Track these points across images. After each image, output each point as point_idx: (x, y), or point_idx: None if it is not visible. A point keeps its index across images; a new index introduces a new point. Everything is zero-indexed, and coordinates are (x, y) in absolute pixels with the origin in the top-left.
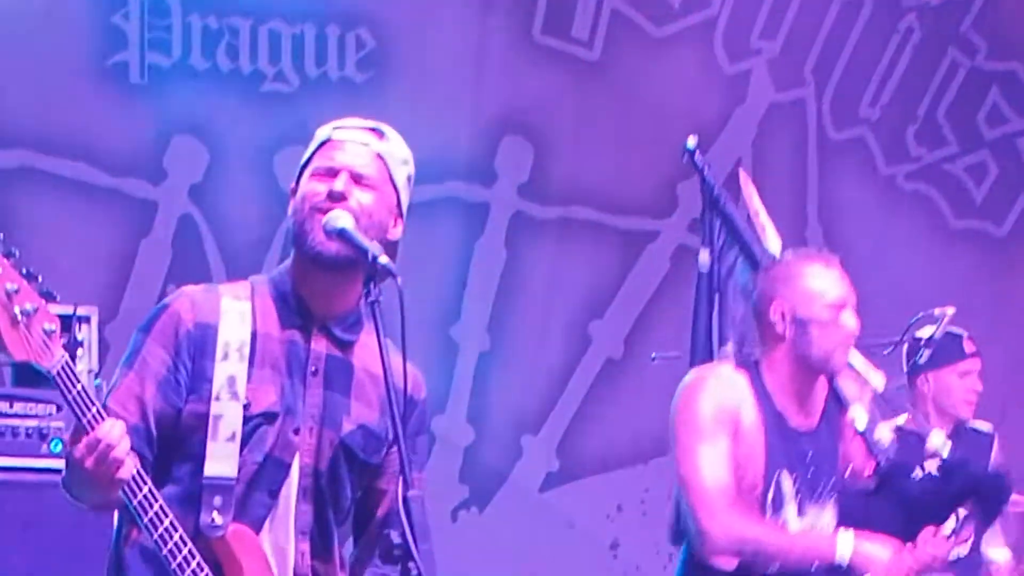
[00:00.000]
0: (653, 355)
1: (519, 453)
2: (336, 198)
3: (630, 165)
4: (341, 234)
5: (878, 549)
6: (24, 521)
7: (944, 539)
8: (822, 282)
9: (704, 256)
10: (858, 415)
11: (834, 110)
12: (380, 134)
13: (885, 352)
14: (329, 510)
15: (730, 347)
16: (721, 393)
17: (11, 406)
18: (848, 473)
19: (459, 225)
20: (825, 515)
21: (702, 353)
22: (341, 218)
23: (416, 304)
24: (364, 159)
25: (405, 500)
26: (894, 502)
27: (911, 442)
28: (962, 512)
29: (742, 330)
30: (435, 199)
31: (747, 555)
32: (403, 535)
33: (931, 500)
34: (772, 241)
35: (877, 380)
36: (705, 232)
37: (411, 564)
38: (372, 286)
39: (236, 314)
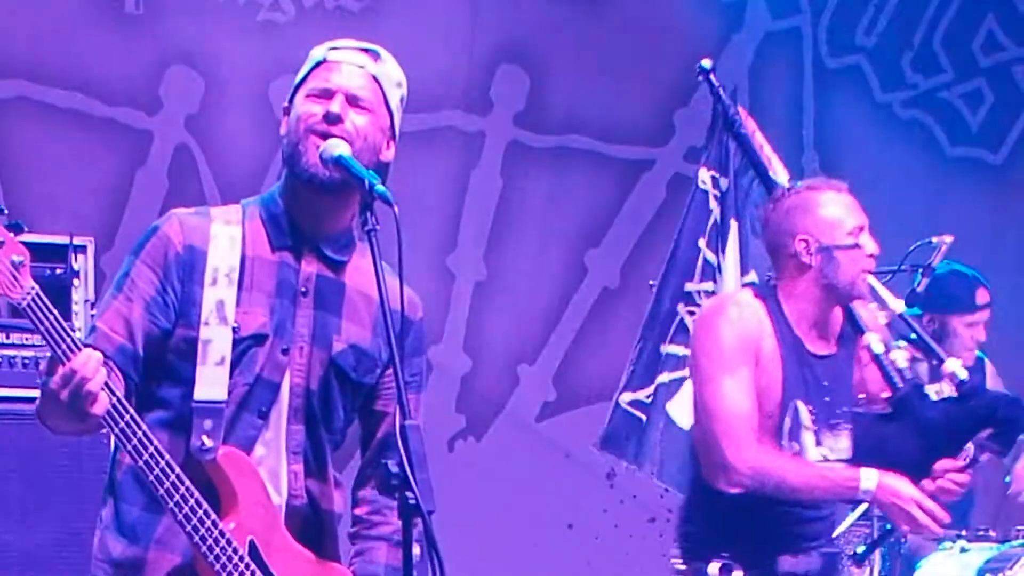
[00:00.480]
0: (651, 283)
1: (516, 382)
2: (332, 120)
3: (626, 94)
4: (339, 161)
5: (902, 484)
6: (21, 451)
7: (961, 468)
8: (839, 209)
9: (705, 176)
10: (873, 340)
11: (830, 38)
12: (375, 56)
13: (884, 280)
14: (321, 430)
15: (753, 275)
16: (743, 321)
17: (7, 337)
18: (864, 399)
19: (455, 154)
20: (841, 442)
21: (682, 267)
22: (339, 146)
23: (412, 233)
24: (359, 81)
25: (402, 428)
26: (910, 427)
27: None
28: (977, 440)
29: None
30: (431, 128)
31: (769, 488)
32: (400, 464)
33: (948, 425)
34: (779, 173)
35: (896, 304)
36: (718, 154)
37: (408, 493)
38: (368, 214)
39: (226, 239)
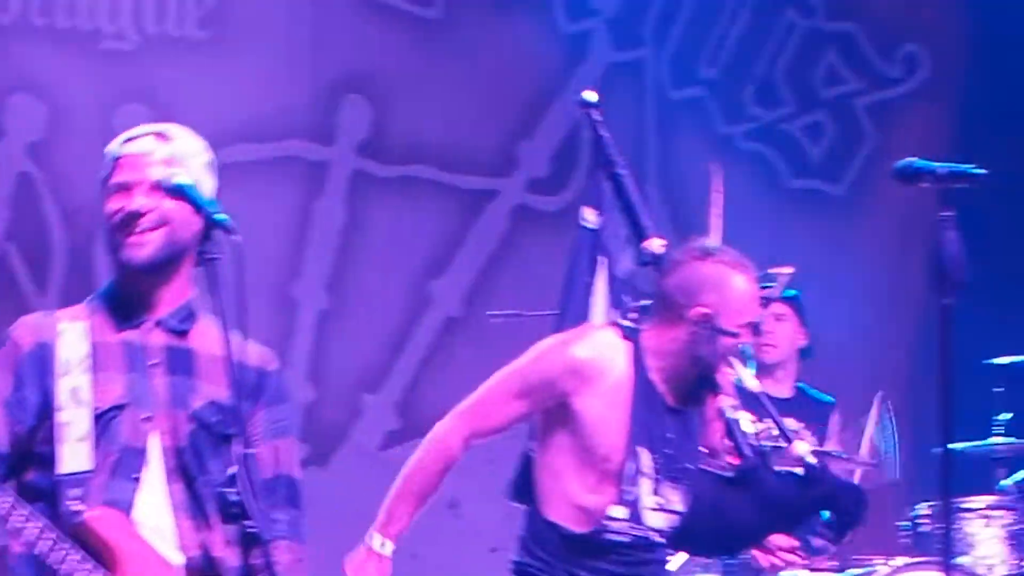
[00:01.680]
0: (490, 313)
1: (360, 411)
2: (133, 219)
3: (470, 124)
4: (178, 190)
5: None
6: None
7: (793, 549)
8: (748, 299)
9: (590, 215)
10: (727, 404)
11: (673, 70)
12: (165, 137)
13: None
14: (199, 485)
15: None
16: (599, 350)
17: None
18: (705, 452)
19: (299, 183)
20: (675, 496)
21: (576, 310)
22: (178, 175)
23: (256, 262)
24: (156, 169)
25: (244, 457)
26: (751, 496)
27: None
28: (814, 525)
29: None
30: (275, 158)
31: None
32: (239, 493)
33: (788, 503)
34: (714, 236)
35: (753, 384)
36: (593, 192)
37: (247, 521)
38: (209, 244)
39: (73, 332)
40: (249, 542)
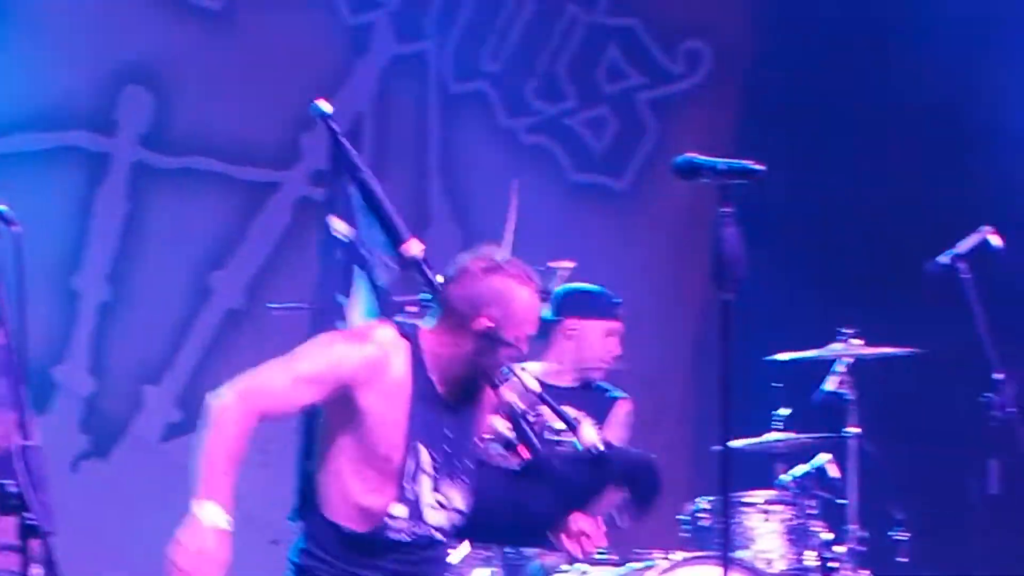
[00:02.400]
0: (271, 305)
1: (140, 403)
2: None
3: (252, 116)
4: None
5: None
6: None
7: (596, 525)
8: (531, 313)
9: (340, 226)
10: (513, 399)
11: (455, 63)
12: None
13: None
14: None
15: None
16: (383, 347)
17: None
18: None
19: (80, 174)
20: (455, 493)
21: (330, 316)
22: None
23: (37, 253)
24: None
25: (23, 450)
26: (545, 483)
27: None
28: (616, 503)
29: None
30: (56, 148)
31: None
32: (19, 485)
33: (582, 486)
34: (505, 245)
35: (534, 385)
36: (340, 200)
37: (27, 514)
38: None
39: None
40: (27, 533)
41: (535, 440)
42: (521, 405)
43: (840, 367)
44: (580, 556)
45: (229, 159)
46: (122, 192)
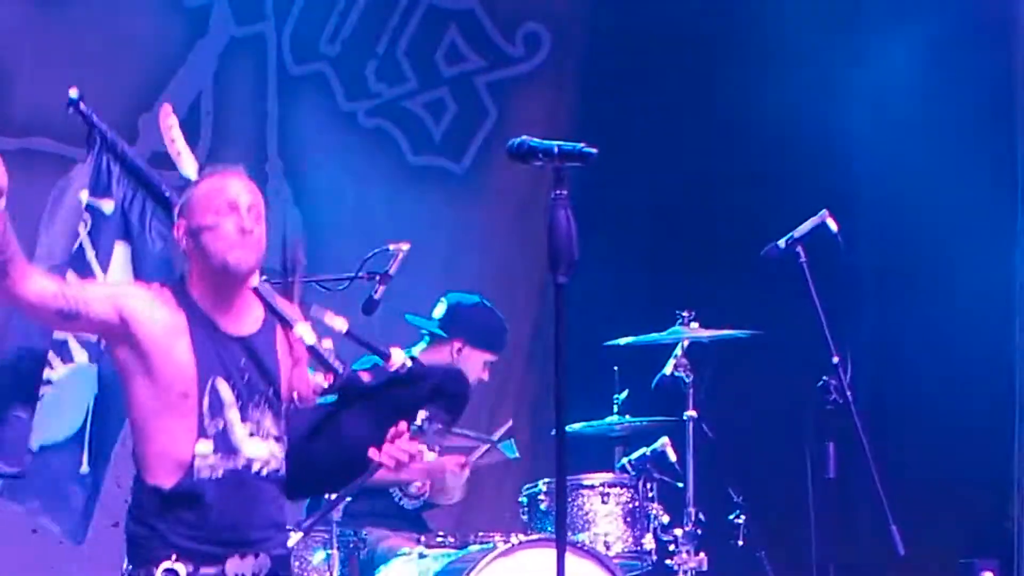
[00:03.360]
0: None
1: None
2: None
3: (91, 97)
4: None
5: None
6: None
7: (410, 435)
8: (208, 190)
9: (84, 195)
10: (305, 331)
11: (294, 45)
12: None
13: (341, 288)
14: None
15: None
16: (146, 287)
17: None
18: (297, 398)
19: None
20: (267, 420)
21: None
22: None
23: None
24: None
25: None
26: (359, 407)
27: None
28: (429, 414)
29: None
30: None
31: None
32: None
33: (394, 402)
34: (188, 166)
35: (340, 324)
36: (100, 179)
37: None
38: None
39: None
40: None
41: (333, 364)
42: (312, 335)
43: (678, 351)
44: (392, 464)
45: (66, 140)
46: None
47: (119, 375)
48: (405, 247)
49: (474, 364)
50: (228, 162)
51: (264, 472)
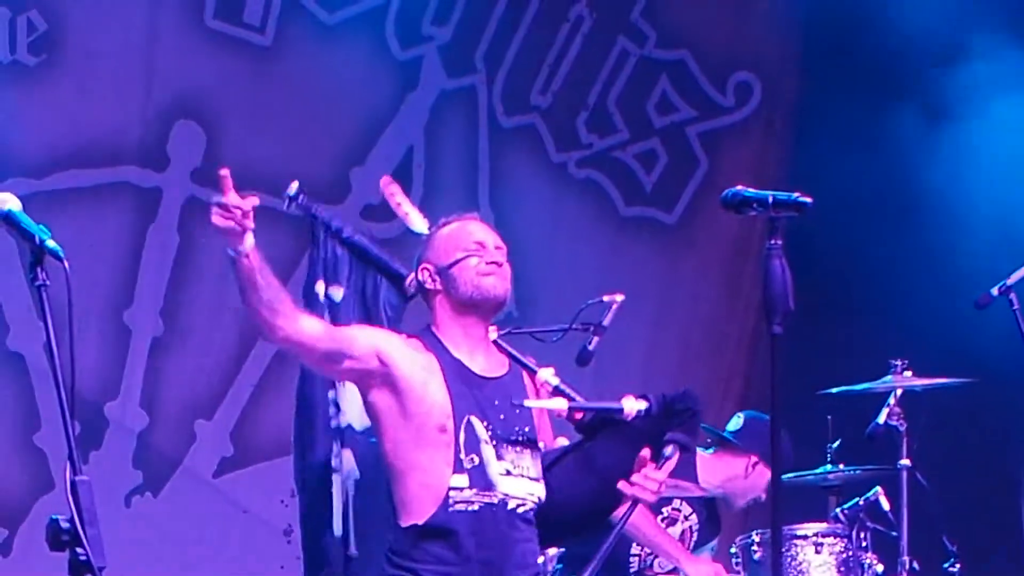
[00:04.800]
0: None
1: (193, 438)
2: None
3: (302, 150)
4: (7, 217)
5: None
6: None
7: (656, 466)
8: (452, 231)
9: (334, 292)
10: (548, 375)
11: (505, 97)
12: None
13: (555, 339)
14: None
15: None
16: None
17: None
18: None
19: (132, 209)
20: (524, 459)
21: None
22: (8, 201)
23: (88, 289)
24: None
25: (72, 484)
26: (611, 433)
27: None
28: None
29: None
30: (107, 183)
31: None
32: (71, 520)
33: (647, 432)
34: (418, 224)
35: (552, 379)
36: (327, 265)
37: (79, 549)
38: (39, 270)
39: None
40: (80, 569)
41: (581, 400)
42: (556, 379)
43: (891, 399)
44: (646, 497)
45: (279, 193)
46: (174, 227)
47: (373, 421)
48: (619, 298)
49: (765, 482)
50: (440, 214)
51: (520, 510)
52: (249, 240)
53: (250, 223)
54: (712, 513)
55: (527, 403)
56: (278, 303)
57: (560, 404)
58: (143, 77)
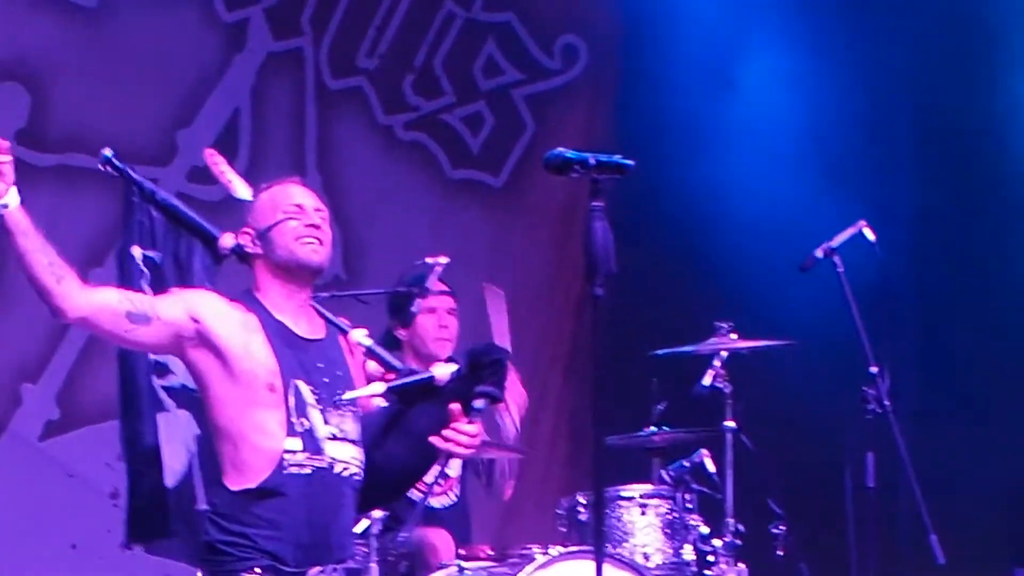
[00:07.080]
0: None
1: (18, 401)
2: None
3: (129, 112)
4: None
5: None
6: None
7: (467, 418)
8: (271, 195)
9: (137, 252)
10: (361, 336)
11: (331, 59)
12: None
13: (377, 301)
14: None
15: None
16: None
17: None
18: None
19: None
20: (347, 423)
21: None
22: None
23: None
24: None
25: None
26: (423, 398)
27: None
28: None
29: None
30: None
31: None
32: None
33: (455, 392)
34: (242, 191)
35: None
36: (144, 229)
37: None
38: None
39: None
40: None
41: (394, 362)
42: (369, 339)
43: (716, 361)
44: (460, 451)
45: None
46: None
47: (198, 385)
48: (443, 260)
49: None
50: (266, 176)
51: (346, 474)
52: (12, 196)
53: (8, 175)
54: None
55: (347, 395)
56: (60, 268)
57: (378, 389)
58: None
